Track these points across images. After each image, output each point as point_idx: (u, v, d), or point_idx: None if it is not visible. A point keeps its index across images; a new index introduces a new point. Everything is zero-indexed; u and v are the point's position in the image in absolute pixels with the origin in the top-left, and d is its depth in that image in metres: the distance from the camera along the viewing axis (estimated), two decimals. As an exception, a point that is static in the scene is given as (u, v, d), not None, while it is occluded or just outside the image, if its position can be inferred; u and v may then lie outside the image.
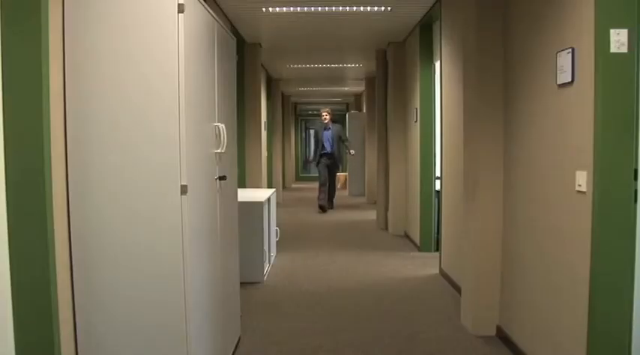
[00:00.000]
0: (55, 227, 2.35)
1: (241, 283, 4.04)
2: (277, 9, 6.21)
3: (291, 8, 6.18)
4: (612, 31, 2.50)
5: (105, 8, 2.47)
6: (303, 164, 21.27)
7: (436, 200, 6.79)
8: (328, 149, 10.88)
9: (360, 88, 14.59)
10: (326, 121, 11.05)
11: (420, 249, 6.99)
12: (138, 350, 2.56)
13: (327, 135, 11.00)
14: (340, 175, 15.73)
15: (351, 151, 12.08)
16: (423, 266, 6.21)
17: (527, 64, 3.43)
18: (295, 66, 10.76)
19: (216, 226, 3.10)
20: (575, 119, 2.78)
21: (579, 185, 2.72)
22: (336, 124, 11.31)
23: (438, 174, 6.63)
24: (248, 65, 8.04)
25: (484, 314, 4.00)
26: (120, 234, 2.53)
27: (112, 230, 2.53)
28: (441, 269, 5.81)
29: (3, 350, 2.20)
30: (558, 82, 2.95)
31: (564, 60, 2.86)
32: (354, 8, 6.18)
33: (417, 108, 7.11)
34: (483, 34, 3.89)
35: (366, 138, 12.70)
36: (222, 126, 3.17)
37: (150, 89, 2.48)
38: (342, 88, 15.00)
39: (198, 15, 2.74)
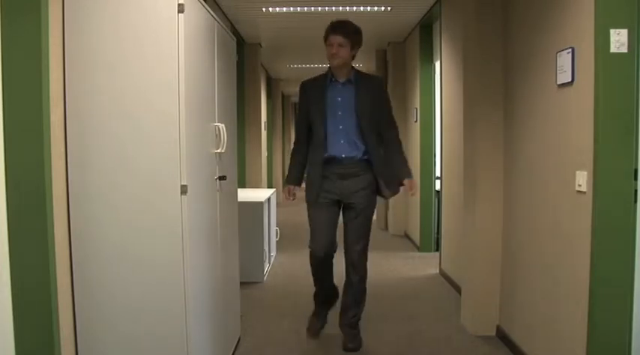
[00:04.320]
0: (55, 227, 2.35)
1: (241, 283, 4.04)
2: (277, 9, 6.21)
3: (291, 8, 6.18)
4: (612, 31, 2.50)
5: (105, 8, 2.47)
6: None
7: (436, 200, 6.79)
8: (345, 150, 3.64)
9: (360, 87, 14.55)
10: (336, 65, 3.56)
11: (420, 249, 6.98)
12: (138, 350, 2.56)
13: (340, 108, 3.60)
14: None
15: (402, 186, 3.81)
16: (423, 266, 6.20)
17: (527, 64, 3.43)
18: (295, 66, 10.75)
19: (216, 226, 3.10)
20: (575, 119, 2.78)
21: (579, 185, 2.72)
22: (371, 77, 3.81)
23: (438, 174, 6.63)
24: (248, 65, 8.04)
25: (484, 314, 3.99)
26: (120, 234, 2.52)
27: (112, 230, 2.52)
28: (441, 270, 5.80)
29: (3, 351, 2.20)
30: (558, 82, 2.95)
31: (564, 60, 2.86)
32: (354, 8, 6.17)
33: (417, 108, 7.10)
34: (483, 34, 3.88)
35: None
36: (222, 126, 3.17)
37: (150, 89, 2.48)
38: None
39: (198, 15, 2.74)
